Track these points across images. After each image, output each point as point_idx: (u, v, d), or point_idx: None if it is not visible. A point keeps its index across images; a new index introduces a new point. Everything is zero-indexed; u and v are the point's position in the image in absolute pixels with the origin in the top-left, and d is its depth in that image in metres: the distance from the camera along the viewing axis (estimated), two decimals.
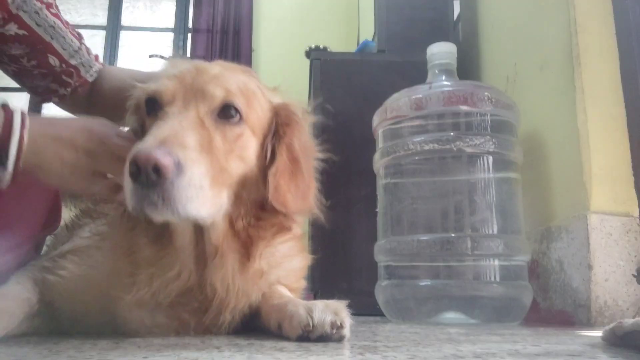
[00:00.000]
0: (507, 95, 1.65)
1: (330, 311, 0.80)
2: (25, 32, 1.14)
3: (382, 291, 1.59)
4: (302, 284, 1.09)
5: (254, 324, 0.95)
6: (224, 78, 0.86)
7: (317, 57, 2.22)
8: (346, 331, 0.80)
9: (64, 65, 1.19)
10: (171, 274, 0.86)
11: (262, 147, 0.90)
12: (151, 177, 0.69)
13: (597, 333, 0.96)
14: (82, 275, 0.90)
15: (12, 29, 1.13)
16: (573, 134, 1.46)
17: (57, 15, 1.20)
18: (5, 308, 0.84)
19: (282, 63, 3.98)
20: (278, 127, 0.91)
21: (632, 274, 1.34)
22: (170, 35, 4.42)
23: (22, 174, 0.81)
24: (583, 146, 1.43)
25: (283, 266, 1.00)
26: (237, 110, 0.84)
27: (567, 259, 1.45)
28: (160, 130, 0.75)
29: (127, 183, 0.71)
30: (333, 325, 0.79)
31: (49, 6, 1.18)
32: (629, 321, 0.77)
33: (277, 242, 0.96)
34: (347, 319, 0.81)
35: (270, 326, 0.90)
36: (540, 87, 1.69)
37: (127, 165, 0.70)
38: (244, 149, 0.86)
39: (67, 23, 1.23)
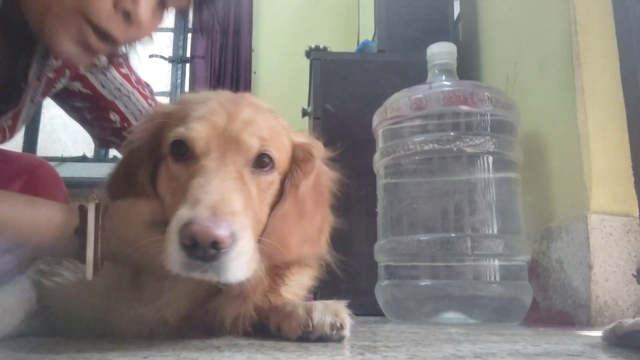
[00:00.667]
0: (507, 95, 1.65)
1: (330, 312, 0.80)
2: (89, 92, 1.16)
3: (382, 291, 1.59)
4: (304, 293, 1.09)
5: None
6: (257, 124, 0.83)
7: (317, 57, 2.22)
8: (346, 332, 0.80)
9: (125, 124, 1.21)
10: (183, 291, 0.84)
11: (282, 188, 0.88)
12: (209, 253, 0.68)
13: (597, 333, 0.96)
14: (79, 284, 0.87)
15: (77, 86, 1.15)
16: (573, 134, 1.46)
17: (127, 76, 1.22)
18: (6, 307, 0.84)
19: (282, 63, 3.98)
20: (292, 167, 0.90)
21: (632, 274, 1.34)
22: (170, 35, 4.41)
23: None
24: (583, 146, 1.43)
25: (291, 285, 0.98)
26: (270, 159, 0.83)
27: (567, 259, 1.45)
28: (207, 195, 0.72)
29: (176, 252, 0.69)
30: (333, 326, 0.79)
31: (119, 66, 1.19)
32: (629, 321, 0.77)
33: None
34: (347, 320, 0.80)
35: (269, 327, 0.90)
36: (540, 87, 1.69)
37: (176, 232, 0.69)
38: (273, 195, 0.85)
39: (139, 81, 1.25)
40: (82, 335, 0.86)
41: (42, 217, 0.80)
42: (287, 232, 0.86)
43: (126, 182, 0.88)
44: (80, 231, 0.79)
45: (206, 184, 0.74)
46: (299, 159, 0.90)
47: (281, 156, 0.86)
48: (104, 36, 0.86)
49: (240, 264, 0.71)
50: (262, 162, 0.83)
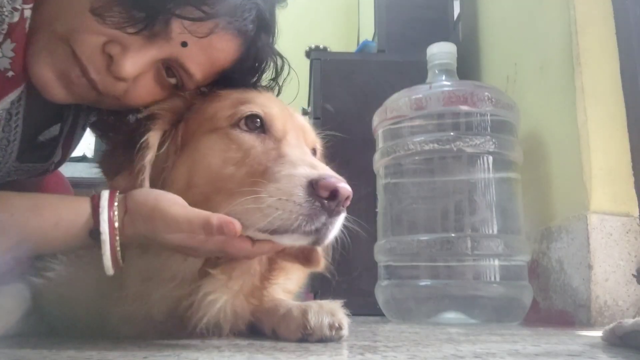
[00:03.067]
0: (507, 95, 1.65)
1: (326, 312, 0.80)
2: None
3: (382, 291, 1.59)
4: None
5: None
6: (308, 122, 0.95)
7: (317, 57, 2.22)
8: (345, 331, 0.80)
9: None
10: (170, 289, 0.83)
11: None
12: (343, 205, 0.73)
13: (597, 333, 0.96)
14: (71, 278, 0.86)
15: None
16: (573, 134, 1.46)
17: None
18: (4, 306, 0.83)
19: None
20: None
21: (632, 274, 1.34)
22: None
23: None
24: (583, 146, 1.43)
25: (276, 288, 0.97)
26: (315, 154, 0.92)
27: (567, 259, 1.45)
28: (318, 165, 0.77)
29: (301, 202, 0.71)
30: (331, 327, 0.78)
31: None
32: (629, 321, 0.77)
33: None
34: (344, 320, 0.80)
35: (263, 331, 0.89)
36: (540, 87, 1.69)
37: (303, 185, 0.71)
38: None
39: None
40: (81, 335, 0.86)
41: (49, 223, 0.74)
42: None
43: (126, 154, 0.84)
44: (96, 235, 0.74)
45: (302, 156, 0.80)
46: None
47: None
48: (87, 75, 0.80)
49: (336, 232, 0.77)
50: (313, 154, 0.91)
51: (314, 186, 0.71)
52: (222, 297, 0.83)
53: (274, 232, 0.73)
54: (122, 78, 0.80)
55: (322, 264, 0.90)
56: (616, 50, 1.47)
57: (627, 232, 1.37)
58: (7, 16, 0.72)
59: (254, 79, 0.99)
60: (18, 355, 0.64)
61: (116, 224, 0.74)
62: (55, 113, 1.00)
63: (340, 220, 0.76)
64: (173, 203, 0.75)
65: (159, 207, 0.74)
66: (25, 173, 1.01)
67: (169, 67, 0.85)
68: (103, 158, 0.90)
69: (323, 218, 0.72)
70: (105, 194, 0.75)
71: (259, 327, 0.91)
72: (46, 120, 1.00)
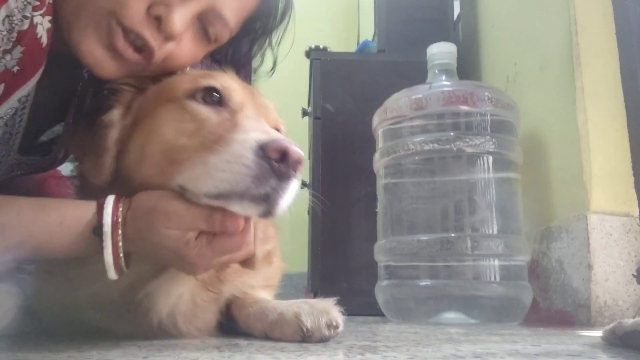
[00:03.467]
0: (507, 95, 1.65)
1: (320, 312, 0.79)
2: None
3: (382, 291, 1.59)
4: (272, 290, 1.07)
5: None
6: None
7: (317, 57, 2.22)
8: (341, 328, 0.80)
9: None
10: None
11: None
12: (294, 168, 0.70)
13: (597, 333, 0.96)
14: (49, 270, 0.85)
15: None
16: (573, 134, 1.46)
17: None
18: (2, 304, 0.83)
19: (282, 63, 3.97)
20: None
21: (632, 274, 1.34)
22: None
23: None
24: (583, 146, 1.43)
25: (238, 282, 0.95)
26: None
27: (567, 259, 1.45)
28: (271, 131, 0.76)
29: (250, 163, 0.68)
30: (329, 326, 0.78)
31: None
32: (629, 321, 0.77)
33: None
34: (340, 317, 0.80)
35: (254, 335, 0.88)
36: (540, 87, 1.69)
37: (253, 147, 0.69)
38: None
39: None
40: (82, 334, 0.86)
41: (55, 221, 0.75)
42: None
43: (88, 129, 0.84)
44: (99, 230, 0.75)
45: (260, 125, 0.77)
46: None
47: None
48: (139, 47, 0.82)
49: (288, 201, 0.73)
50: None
51: (264, 149, 0.69)
52: (181, 288, 0.82)
53: (220, 196, 0.70)
54: (174, 35, 0.82)
55: (255, 266, 0.85)
56: (616, 50, 1.47)
57: (627, 232, 1.37)
58: (16, 24, 0.73)
59: (271, 22, 1.01)
60: (18, 356, 0.64)
61: (119, 219, 0.75)
62: (59, 112, 1.01)
63: (292, 187, 0.71)
64: (176, 197, 0.75)
65: (162, 200, 0.75)
66: (29, 167, 1.01)
67: (203, 22, 0.88)
68: (65, 134, 0.90)
69: (273, 182, 0.69)
70: (111, 196, 0.77)
71: (245, 329, 0.90)
72: (49, 119, 1.00)
